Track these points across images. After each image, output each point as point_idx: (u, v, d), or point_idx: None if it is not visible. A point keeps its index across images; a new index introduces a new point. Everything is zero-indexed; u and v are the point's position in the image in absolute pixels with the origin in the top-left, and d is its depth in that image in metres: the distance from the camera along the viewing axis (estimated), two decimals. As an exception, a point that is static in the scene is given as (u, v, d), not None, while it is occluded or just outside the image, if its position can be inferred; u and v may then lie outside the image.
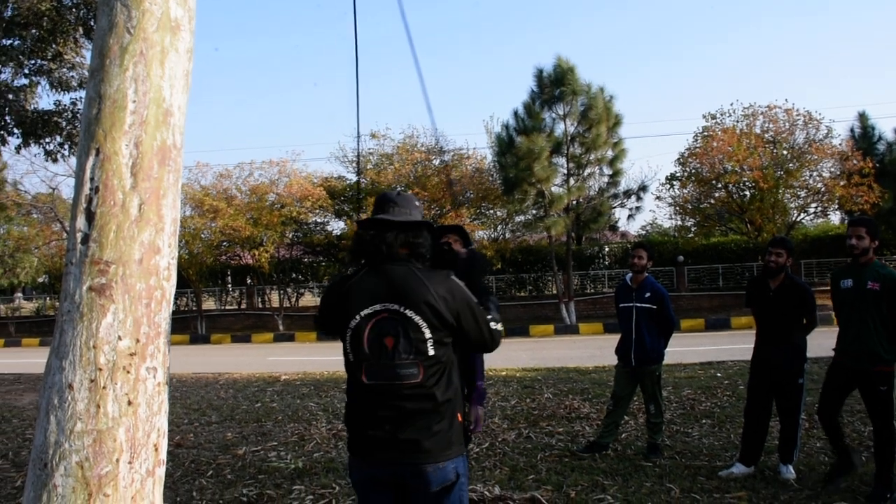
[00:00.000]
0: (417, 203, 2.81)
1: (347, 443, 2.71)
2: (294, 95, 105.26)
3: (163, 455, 2.57)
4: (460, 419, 2.71)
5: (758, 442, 5.42)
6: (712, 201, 26.26)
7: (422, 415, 2.57)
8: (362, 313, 2.57)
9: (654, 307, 6.04)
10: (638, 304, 6.09)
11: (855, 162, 22.55)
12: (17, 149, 12.25)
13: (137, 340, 2.46)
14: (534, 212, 23.24)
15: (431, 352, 2.56)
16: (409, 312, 2.55)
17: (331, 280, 3.19)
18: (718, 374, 9.94)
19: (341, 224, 27.87)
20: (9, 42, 10.80)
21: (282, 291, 27.68)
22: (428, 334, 2.55)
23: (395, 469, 2.58)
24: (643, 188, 23.91)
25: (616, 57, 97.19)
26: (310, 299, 29.60)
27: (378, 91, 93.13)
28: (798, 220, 25.94)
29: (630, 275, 6.29)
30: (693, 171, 26.10)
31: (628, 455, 6.06)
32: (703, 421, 7.22)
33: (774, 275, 5.38)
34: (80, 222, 2.49)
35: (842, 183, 22.55)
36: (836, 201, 23.87)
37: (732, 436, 6.49)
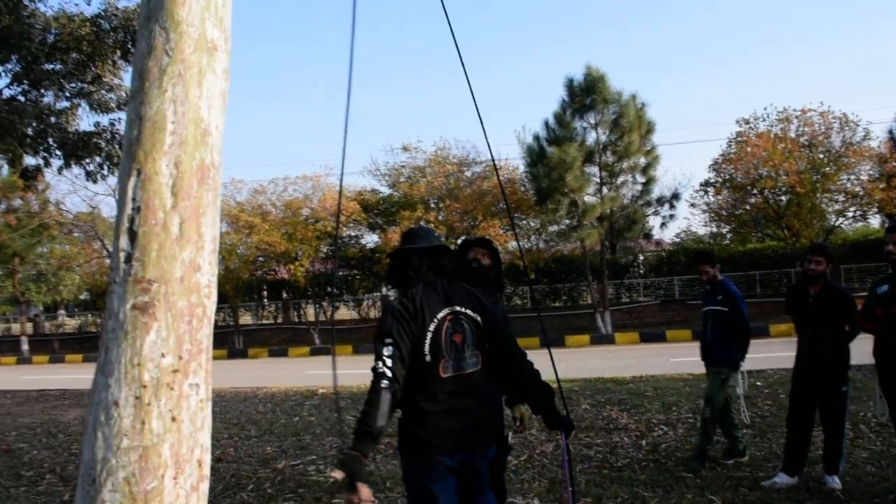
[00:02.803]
0: (437, 234, 3.36)
1: (416, 447, 3.00)
2: (325, 108, 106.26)
3: (206, 470, 2.60)
4: None
5: (801, 452, 5.32)
6: (748, 207, 25.89)
7: (486, 402, 3.09)
8: (438, 317, 3.02)
9: (726, 309, 6.04)
10: (711, 308, 6.14)
11: (894, 164, 22.12)
12: (60, 170, 12.52)
13: (180, 357, 2.50)
14: (567, 221, 23.12)
15: (486, 343, 3.10)
16: (469, 311, 3.09)
17: (397, 300, 3.43)
18: (758, 383, 9.78)
19: (375, 237, 28.02)
20: (51, 66, 11.09)
21: (317, 305, 27.87)
22: (482, 327, 3.10)
23: (469, 455, 3.00)
24: (677, 195, 23.64)
25: (648, 64, 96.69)
26: (345, 313, 29.75)
27: (410, 102, 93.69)
28: (836, 224, 25.48)
29: None
30: (727, 177, 25.79)
31: (668, 466, 5.99)
32: (744, 431, 7.10)
33: (814, 282, 5.30)
34: (123, 242, 2.54)
35: (881, 186, 22.13)
36: (876, 205, 23.41)
37: (774, 446, 6.39)
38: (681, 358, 13.84)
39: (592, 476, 5.80)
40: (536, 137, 22.32)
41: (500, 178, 25.76)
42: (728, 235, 29.16)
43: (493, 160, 4.89)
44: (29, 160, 12.57)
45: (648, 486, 5.44)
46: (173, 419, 2.45)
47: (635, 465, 6.07)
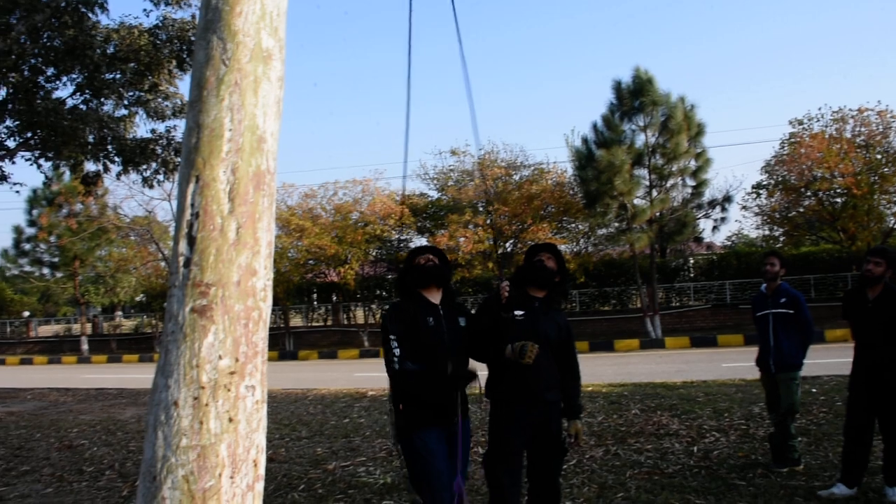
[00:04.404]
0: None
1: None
2: (375, 114, 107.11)
3: (261, 470, 2.66)
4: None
5: (860, 462, 5.15)
6: (801, 209, 25.30)
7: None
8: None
9: (791, 312, 5.96)
10: (774, 311, 6.03)
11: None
12: (118, 175, 12.90)
13: (237, 359, 2.56)
14: (616, 225, 22.89)
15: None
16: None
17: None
18: (814, 390, 9.56)
19: (424, 241, 28.13)
20: (111, 76, 11.45)
21: (367, 308, 28.09)
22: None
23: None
24: (728, 198, 23.23)
25: (699, 66, 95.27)
26: (393, 315, 29.90)
27: (459, 107, 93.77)
28: (895, 226, 24.76)
29: (764, 284, 6.23)
30: (780, 178, 25.24)
31: (720, 473, 5.89)
32: (799, 439, 6.94)
33: (872, 284, 5.15)
34: (183, 247, 2.61)
35: (943, 187, 21.44)
36: (938, 206, 22.69)
37: (831, 455, 6.24)
38: (733, 363, 13.59)
39: (643, 482, 5.75)
40: (585, 140, 22.17)
41: (549, 181, 25.74)
42: (781, 238, 28.52)
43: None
44: (89, 166, 13.02)
45: (700, 494, 5.37)
46: (230, 420, 2.52)
47: (686, 471, 6.00)
